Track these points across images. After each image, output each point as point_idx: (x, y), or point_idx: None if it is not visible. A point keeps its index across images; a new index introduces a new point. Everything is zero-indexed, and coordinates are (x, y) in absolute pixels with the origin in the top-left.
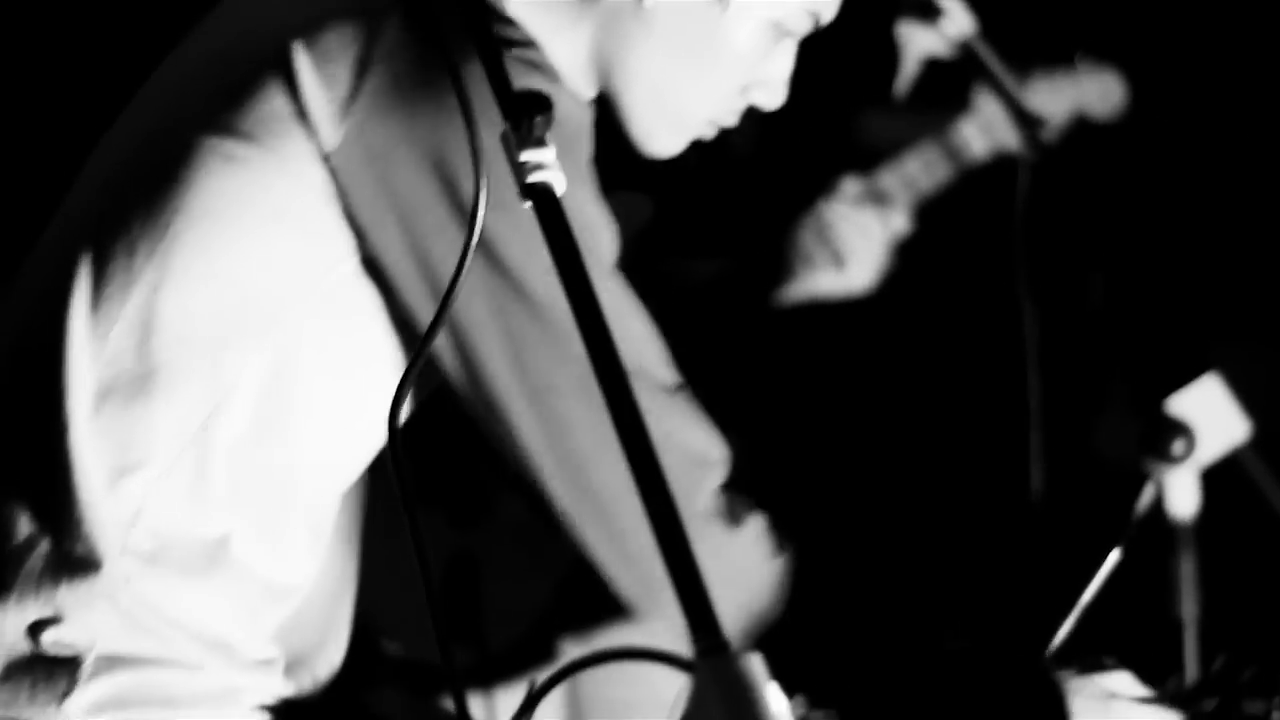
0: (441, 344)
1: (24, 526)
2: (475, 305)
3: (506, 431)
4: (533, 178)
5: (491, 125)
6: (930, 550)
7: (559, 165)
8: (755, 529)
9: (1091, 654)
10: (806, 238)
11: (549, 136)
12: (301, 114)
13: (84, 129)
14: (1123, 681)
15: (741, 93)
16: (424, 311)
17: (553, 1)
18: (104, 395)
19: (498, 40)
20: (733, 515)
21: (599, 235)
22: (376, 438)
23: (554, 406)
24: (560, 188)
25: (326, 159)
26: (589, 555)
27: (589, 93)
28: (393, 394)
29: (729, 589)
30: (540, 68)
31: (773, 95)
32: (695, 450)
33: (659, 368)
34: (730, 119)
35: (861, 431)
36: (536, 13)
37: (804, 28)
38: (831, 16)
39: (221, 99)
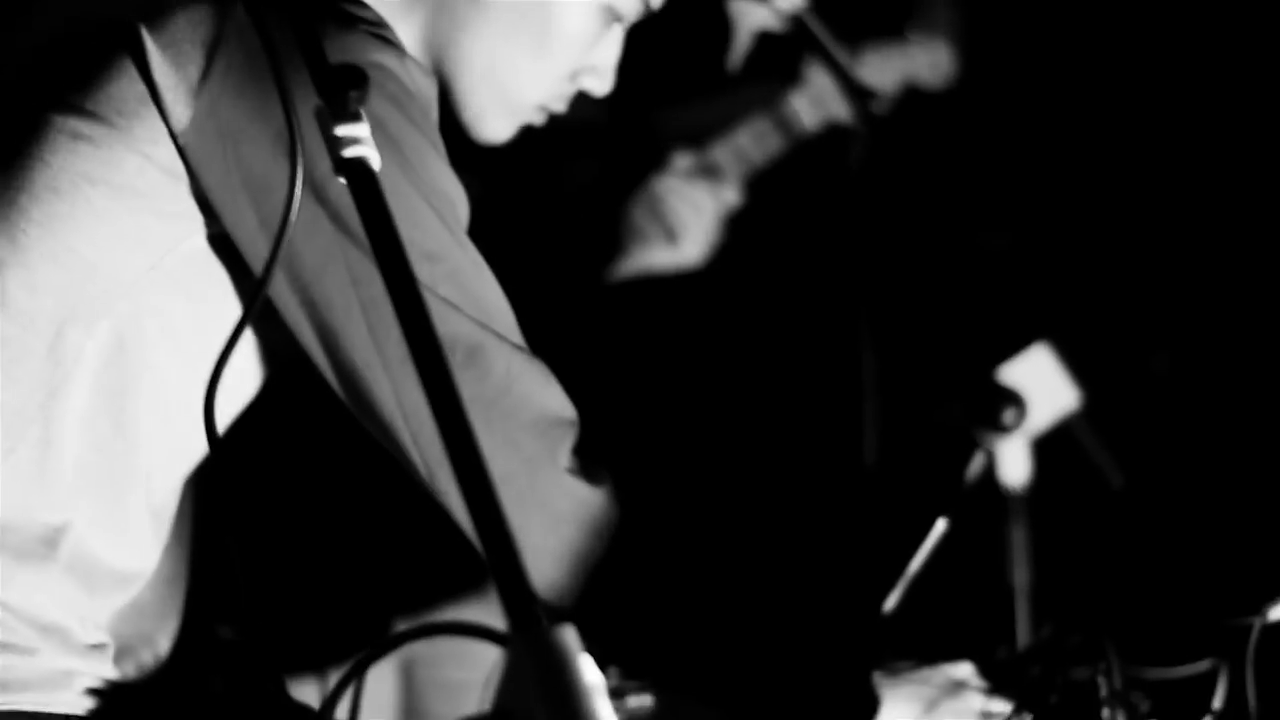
0: (299, 318)
1: None
2: (331, 277)
3: (368, 401)
4: (348, 152)
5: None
6: (764, 517)
7: (375, 141)
8: (611, 488)
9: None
10: (638, 213)
11: (385, 105)
12: (153, 94)
13: None
14: (965, 671)
15: (571, 79)
16: (277, 287)
17: None
18: None
19: (318, 15)
20: (590, 474)
21: (455, 202)
22: (221, 417)
23: (411, 374)
24: (376, 163)
25: (175, 138)
26: (455, 520)
27: None
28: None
29: (592, 543)
30: (391, 43)
31: (601, 81)
32: (553, 410)
33: (513, 332)
34: (559, 105)
35: (695, 404)
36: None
37: (635, 12)
38: (661, 1)
39: (69, 78)
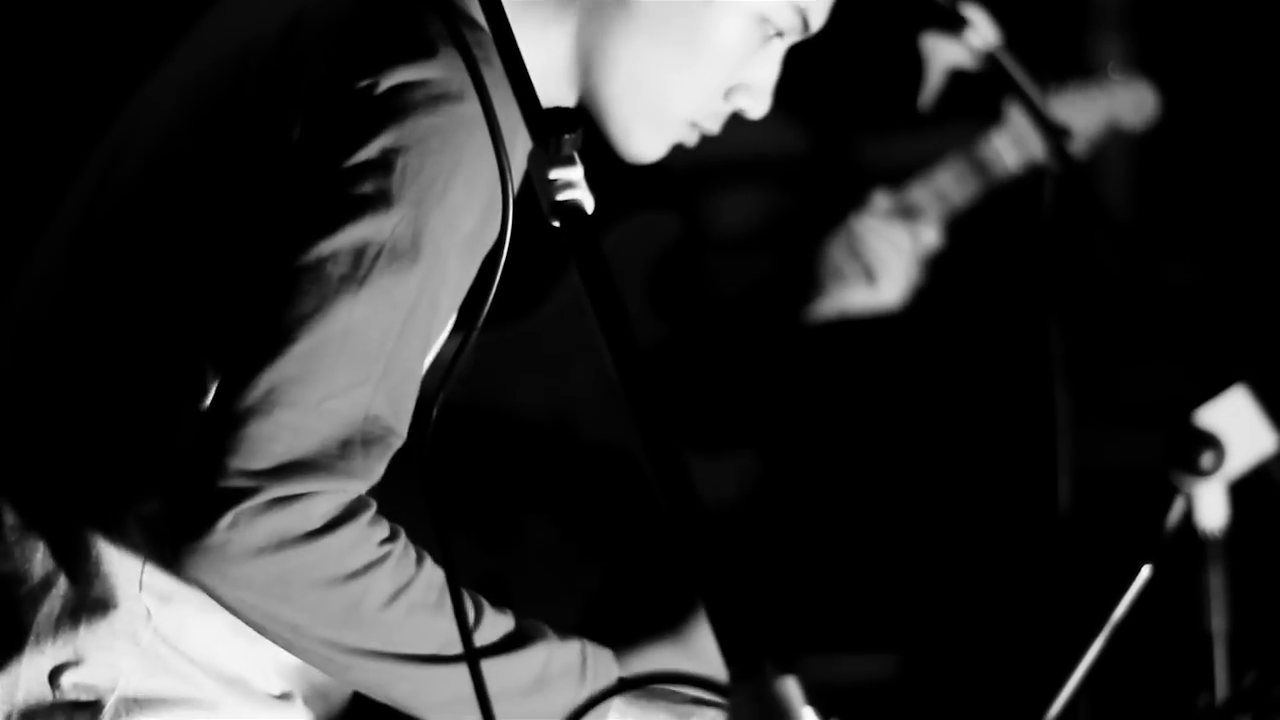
0: None
1: (40, 566)
2: None
3: None
4: (561, 195)
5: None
6: (957, 565)
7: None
8: None
9: None
10: (837, 252)
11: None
12: None
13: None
14: None
15: (725, 96)
16: None
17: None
18: None
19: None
20: None
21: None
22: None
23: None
24: (589, 206)
25: None
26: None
27: (570, 97)
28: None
29: None
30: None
31: (757, 102)
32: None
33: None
34: (712, 124)
35: (889, 445)
36: (518, 13)
37: (791, 26)
38: (821, 23)
39: None
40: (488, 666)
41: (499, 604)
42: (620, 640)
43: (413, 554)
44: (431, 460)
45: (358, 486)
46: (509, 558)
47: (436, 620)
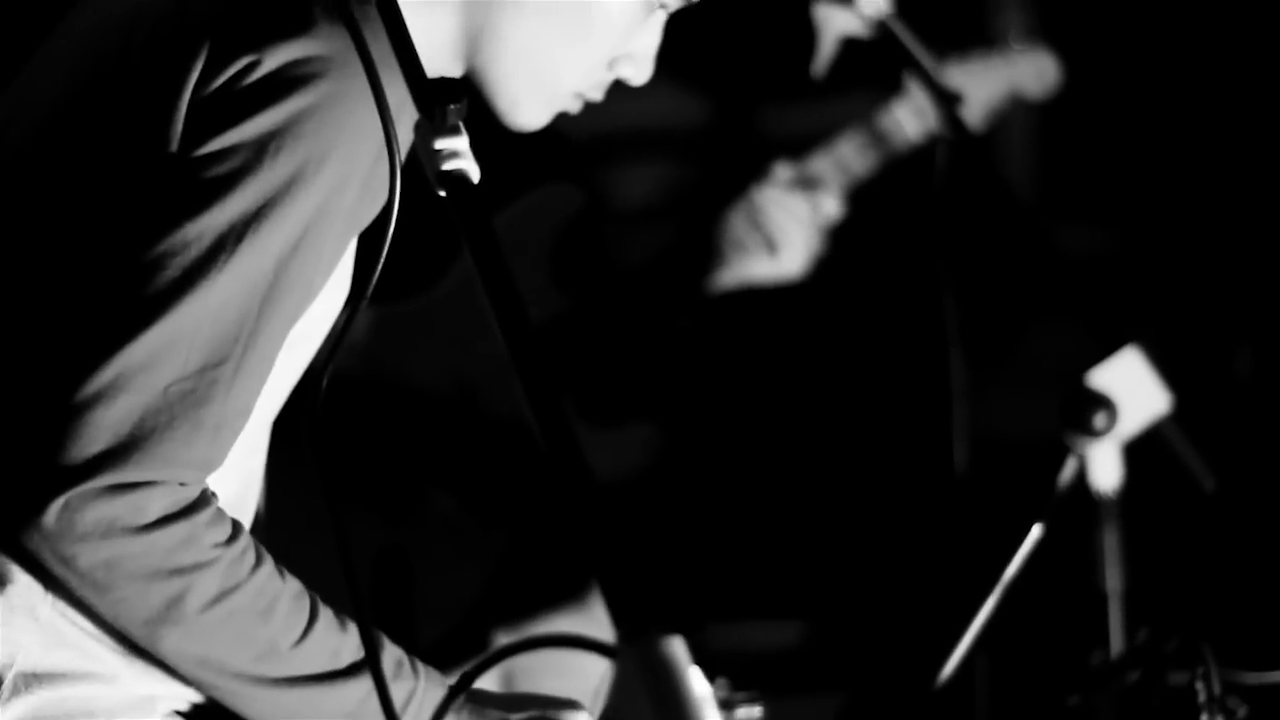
0: None
1: None
2: None
3: None
4: (447, 165)
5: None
6: (855, 530)
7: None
8: None
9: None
10: (739, 223)
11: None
12: None
13: None
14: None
15: (609, 66)
16: None
17: None
18: None
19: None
20: None
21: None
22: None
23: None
24: (475, 176)
25: None
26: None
27: (456, 71)
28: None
29: None
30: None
31: (639, 70)
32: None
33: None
34: (596, 93)
35: (789, 414)
36: None
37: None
38: None
39: None
40: (301, 693)
41: (402, 576)
42: (524, 608)
43: (250, 559)
44: (320, 433)
45: (198, 476)
46: (411, 530)
47: (259, 628)
